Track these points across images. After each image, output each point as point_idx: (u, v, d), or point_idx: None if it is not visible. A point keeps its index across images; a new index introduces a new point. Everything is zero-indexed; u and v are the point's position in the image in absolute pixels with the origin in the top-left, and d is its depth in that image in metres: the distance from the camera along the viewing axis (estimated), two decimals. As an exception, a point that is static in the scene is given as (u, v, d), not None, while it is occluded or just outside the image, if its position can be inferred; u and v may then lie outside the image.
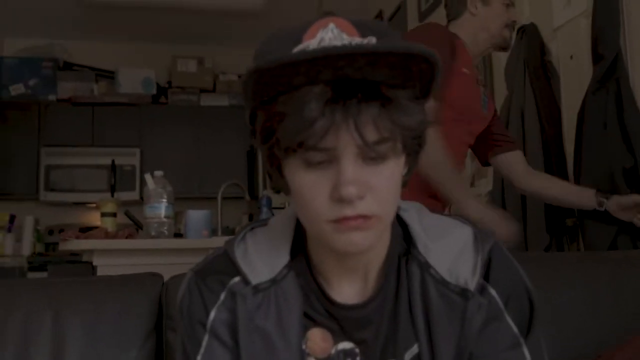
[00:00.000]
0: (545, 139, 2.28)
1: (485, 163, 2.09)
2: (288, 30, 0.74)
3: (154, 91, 5.31)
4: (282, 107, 0.69)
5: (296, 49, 0.70)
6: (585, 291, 1.32)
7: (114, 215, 3.09)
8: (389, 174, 0.73)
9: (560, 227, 2.22)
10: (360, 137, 0.68)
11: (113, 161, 5.09)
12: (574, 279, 1.34)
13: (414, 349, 0.80)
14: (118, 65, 5.28)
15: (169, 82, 5.42)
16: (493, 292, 0.80)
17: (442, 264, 0.80)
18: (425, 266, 0.81)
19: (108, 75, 5.35)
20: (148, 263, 2.48)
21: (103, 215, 3.08)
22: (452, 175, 1.72)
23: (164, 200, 2.75)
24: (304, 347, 0.81)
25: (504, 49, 2.00)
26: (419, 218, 0.85)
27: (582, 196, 1.91)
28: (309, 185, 0.72)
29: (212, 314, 0.81)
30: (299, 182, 0.73)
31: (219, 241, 2.73)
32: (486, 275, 0.80)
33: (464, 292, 0.78)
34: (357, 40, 0.70)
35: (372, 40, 0.71)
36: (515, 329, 0.79)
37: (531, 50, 2.40)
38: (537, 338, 0.80)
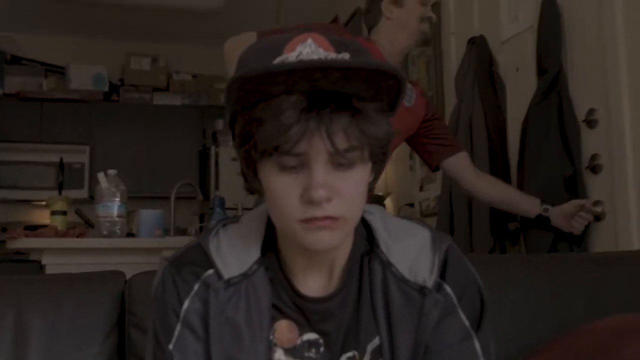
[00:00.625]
0: (491, 147, 2.38)
1: (435, 168, 2.17)
2: (270, 43, 0.79)
3: (106, 88, 5.25)
4: (261, 113, 0.75)
5: (276, 61, 0.76)
6: (527, 292, 1.41)
7: (64, 213, 3.05)
8: (356, 179, 0.79)
9: (503, 231, 2.32)
10: (332, 144, 0.74)
11: (61, 158, 5.01)
12: (516, 280, 1.42)
13: (376, 341, 0.86)
14: (69, 61, 5.19)
15: (122, 80, 5.37)
16: (448, 289, 0.87)
17: (402, 263, 0.87)
18: (387, 265, 0.87)
19: (58, 71, 5.26)
20: (100, 262, 2.47)
21: (53, 213, 3.04)
22: None
23: (117, 199, 2.74)
24: (271, 337, 0.86)
25: (425, 43, 2.09)
26: (382, 220, 0.91)
27: (527, 202, 2.00)
28: (282, 187, 0.78)
29: (186, 304, 0.85)
30: (273, 183, 0.78)
31: (172, 241, 2.77)
32: (442, 274, 0.87)
33: (422, 290, 0.85)
34: (332, 55, 0.77)
35: (346, 56, 0.77)
36: (467, 323, 0.86)
37: (480, 62, 2.49)
38: (486, 332, 0.87)
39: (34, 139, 4.96)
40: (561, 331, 1.22)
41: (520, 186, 2.13)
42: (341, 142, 0.75)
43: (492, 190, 2.08)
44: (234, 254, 0.86)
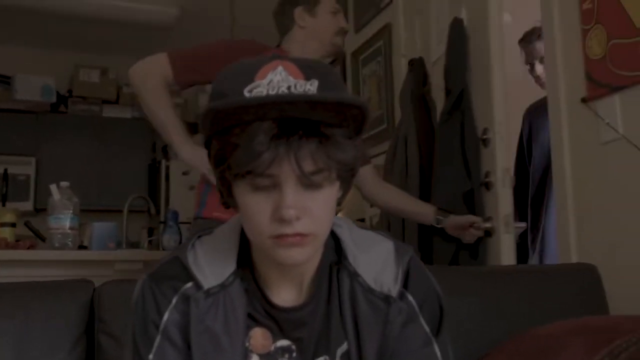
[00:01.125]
0: (422, 164, 2.46)
1: None
2: (241, 69, 0.85)
3: (54, 99, 5.18)
4: (235, 139, 0.81)
5: (247, 88, 0.81)
6: (476, 302, 1.51)
7: (14, 225, 3.01)
8: (324, 199, 0.85)
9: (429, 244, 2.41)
10: (299, 168, 0.80)
11: (6, 170, 4.90)
12: (466, 291, 1.52)
13: (344, 346, 0.93)
14: (16, 71, 5.10)
15: (70, 91, 5.30)
16: (410, 298, 0.94)
17: (368, 273, 0.94)
18: (354, 275, 0.94)
19: (4, 80, 5.15)
20: (51, 275, 2.42)
21: (2, 225, 3.00)
22: (170, 119, 1.90)
23: (70, 211, 2.73)
24: (247, 344, 0.92)
25: (336, 55, 2.17)
26: (349, 232, 0.98)
27: (422, 212, 2.11)
28: (255, 206, 0.83)
29: (165, 316, 0.89)
30: (247, 202, 0.84)
31: (124, 254, 2.76)
32: (405, 284, 0.94)
33: (387, 299, 0.92)
34: (301, 82, 0.82)
35: (315, 82, 0.82)
36: (427, 329, 0.94)
37: (416, 82, 2.59)
38: (444, 337, 0.95)
39: (-23, 151, 4.84)
40: (507, 338, 1.32)
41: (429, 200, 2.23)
42: (308, 166, 0.81)
43: (388, 197, 2.19)
44: (211, 266, 0.92)
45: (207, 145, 0.87)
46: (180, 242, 3.15)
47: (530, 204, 2.57)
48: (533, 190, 2.57)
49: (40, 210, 4.75)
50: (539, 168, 2.56)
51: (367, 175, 2.15)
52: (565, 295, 1.58)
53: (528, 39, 2.47)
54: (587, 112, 1.86)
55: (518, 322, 1.46)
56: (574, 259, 1.87)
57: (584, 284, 1.63)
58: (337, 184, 0.88)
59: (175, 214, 3.26)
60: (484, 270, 1.72)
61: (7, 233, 3.02)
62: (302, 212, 0.82)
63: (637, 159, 1.69)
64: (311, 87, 0.81)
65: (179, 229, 3.22)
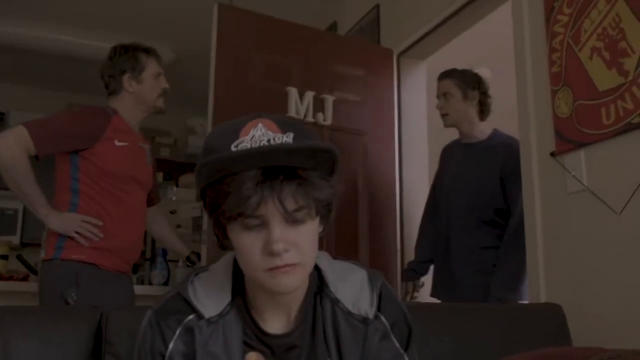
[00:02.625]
0: None
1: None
2: (228, 128, 0.98)
3: (46, 136, 5.26)
4: (226, 187, 0.94)
5: (234, 144, 0.95)
6: (449, 337, 1.63)
7: (6, 257, 3.09)
8: (307, 232, 0.98)
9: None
10: (282, 206, 0.94)
11: (-6, 204, 4.95)
12: (441, 326, 1.65)
13: None
14: (10, 107, 5.21)
15: (62, 129, 5.39)
16: (383, 319, 1.07)
17: (347, 299, 1.07)
18: (335, 301, 1.07)
19: (-2, 116, 5.25)
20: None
21: (-6, 257, 3.07)
22: (36, 194, 2.12)
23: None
24: None
25: (158, 113, 2.45)
26: (328, 263, 1.12)
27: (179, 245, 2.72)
28: (248, 243, 0.97)
29: (171, 346, 1.02)
30: (240, 241, 0.97)
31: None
32: (378, 307, 1.08)
33: (364, 320, 1.06)
34: (279, 135, 0.96)
35: (290, 135, 0.96)
36: (398, 345, 1.08)
37: None
38: (413, 351, 1.09)
39: (-33, 184, 4.90)
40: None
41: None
42: (290, 205, 0.94)
43: (159, 228, 2.71)
44: (210, 298, 1.04)
45: (202, 195, 1.01)
46: (168, 278, 3.24)
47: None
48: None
49: (27, 244, 4.81)
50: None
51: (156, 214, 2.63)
52: (533, 332, 1.72)
53: (439, 78, 2.67)
54: (555, 165, 2.03)
55: (489, 357, 1.58)
56: (543, 299, 2.01)
57: (550, 322, 1.77)
58: (317, 219, 1.01)
59: (165, 251, 3.35)
60: (457, 307, 1.84)
61: (-1, 265, 3.09)
62: (289, 245, 0.95)
63: (600, 209, 1.85)
64: (287, 138, 0.95)
65: (167, 265, 3.31)
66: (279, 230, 0.94)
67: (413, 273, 2.77)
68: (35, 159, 2.14)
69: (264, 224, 0.95)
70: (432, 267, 2.74)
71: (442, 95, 2.62)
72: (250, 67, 2.87)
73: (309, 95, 2.93)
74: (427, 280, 2.75)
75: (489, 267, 2.40)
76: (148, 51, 2.38)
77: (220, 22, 2.80)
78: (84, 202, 2.18)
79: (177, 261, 3.69)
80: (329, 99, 3.00)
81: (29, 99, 5.35)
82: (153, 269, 3.32)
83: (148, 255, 4.63)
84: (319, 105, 2.97)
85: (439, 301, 2.61)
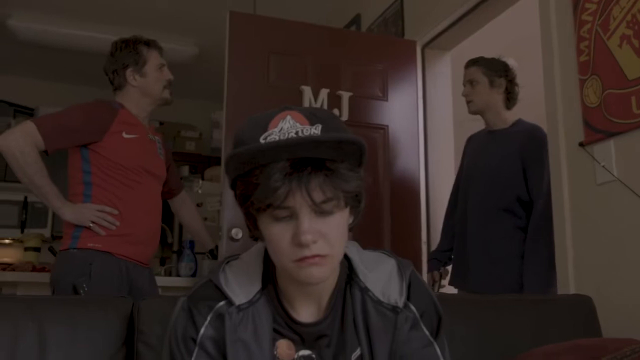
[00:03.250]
0: None
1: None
2: (257, 120, 1.00)
3: (74, 131, 5.34)
4: (255, 179, 0.95)
5: (263, 136, 0.96)
6: (478, 329, 1.63)
7: (38, 249, 3.15)
8: (336, 223, 0.99)
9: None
10: (310, 198, 0.94)
11: (25, 197, 5.05)
12: (470, 318, 1.65)
13: (357, 351, 1.06)
14: (39, 103, 5.30)
15: (90, 124, 5.47)
16: (413, 308, 1.08)
17: (377, 288, 1.08)
18: (364, 290, 1.08)
19: (27, 112, 5.34)
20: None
21: (27, 249, 3.14)
22: (49, 187, 2.14)
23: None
24: (275, 353, 1.05)
25: (166, 105, 2.45)
26: (358, 253, 1.12)
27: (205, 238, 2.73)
28: (277, 234, 0.97)
29: (202, 331, 1.03)
30: (270, 232, 0.98)
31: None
32: (407, 296, 1.08)
33: (394, 309, 1.06)
34: (307, 127, 0.97)
35: (318, 127, 0.97)
36: (427, 333, 1.08)
37: None
38: (442, 339, 1.09)
39: (-2, 178, 5.00)
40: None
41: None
42: (318, 196, 0.94)
43: (185, 217, 2.76)
44: (240, 286, 1.06)
45: (233, 186, 1.02)
46: (196, 270, 3.28)
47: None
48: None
49: (57, 237, 4.89)
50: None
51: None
52: (562, 324, 1.70)
53: (466, 65, 2.66)
54: (584, 156, 2.01)
55: (518, 348, 1.58)
56: (572, 290, 1.99)
57: (580, 314, 1.75)
58: (346, 211, 1.02)
59: (192, 243, 3.38)
60: (487, 299, 1.84)
61: (32, 257, 3.17)
62: (317, 236, 0.95)
63: (630, 200, 1.83)
64: (315, 130, 0.96)
65: (195, 257, 3.34)
66: (308, 222, 0.95)
67: (435, 262, 2.77)
68: (45, 154, 2.16)
69: (292, 215, 0.95)
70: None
71: (469, 82, 2.61)
72: (264, 69, 2.93)
73: (324, 92, 2.98)
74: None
75: (503, 259, 2.38)
76: (149, 43, 2.39)
77: (232, 29, 2.87)
78: (98, 193, 2.20)
79: (205, 254, 3.73)
80: (345, 96, 3.04)
81: (57, 94, 5.42)
82: (180, 261, 3.35)
83: (175, 247, 4.70)
84: (335, 102, 3.00)
85: (460, 291, 2.60)
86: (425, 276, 2.96)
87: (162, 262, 5.13)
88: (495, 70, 2.56)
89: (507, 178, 2.44)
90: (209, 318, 1.04)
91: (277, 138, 0.95)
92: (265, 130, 0.96)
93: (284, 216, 0.96)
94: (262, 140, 0.95)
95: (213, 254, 2.84)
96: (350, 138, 0.95)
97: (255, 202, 0.96)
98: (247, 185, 0.96)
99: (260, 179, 0.94)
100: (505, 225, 2.42)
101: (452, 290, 2.71)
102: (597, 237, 1.96)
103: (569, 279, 2.02)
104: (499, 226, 2.43)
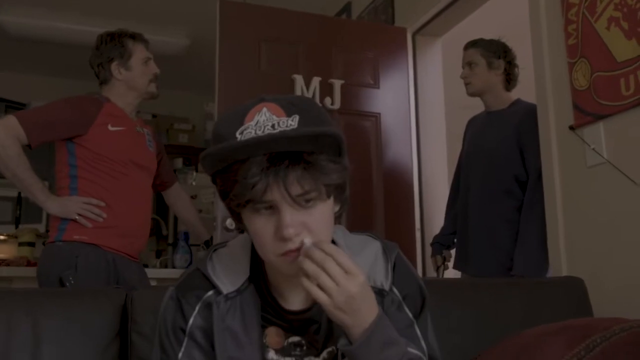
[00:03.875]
0: None
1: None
2: (233, 114, 0.98)
3: (66, 125, 5.33)
4: (233, 175, 0.94)
5: (239, 130, 0.95)
6: (470, 311, 1.65)
7: (33, 244, 3.15)
8: (319, 214, 0.97)
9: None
10: (287, 192, 0.93)
11: (19, 193, 5.03)
12: (463, 301, 1.66)
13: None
14: (30, 98, 5.27)
15: (82, 118, 5.45)
16: (396, 290, 1.08)
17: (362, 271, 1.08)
18: None
19: (18, 107, 5.31)
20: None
21: (21, 244, 3.13)
22: (32, 180, 2.16)
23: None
24: (264, 340, 1.06)
25: (152, 98, 2.46)
26: (343, 237, 1.12)
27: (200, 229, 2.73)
28: (260, 228, 0.96)
29: (191, 321, 1.04)
30: (252, 225, 0.98)
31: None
32: (392, 277, 1.08)
33: (380, 292, 1.06)
34: (283, 119, 0.94)
35: (296, 118, 0.94)
36: (410, 314, 1.08)
37: None
38: (425, 319, 1.09)
39: (-9, 174, 4.99)
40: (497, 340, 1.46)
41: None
42: (296, 190, 0.92)
43: (180, 209, 2.76)
44: (228, 275, 1.06)
45: (214, 181, 1.01)
46: (191, 262, 3.29)
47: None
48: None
49: (52, 232, 4.90)
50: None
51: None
52: (554, 306, 1.72)
53: (465, 47, 2.65)
54: (574, 139, 2.02)
55: (511, 330, 1.59)
56: (564, 272, 2.01)
57: (572, 296, 1.77)
58: (330, 200, 1.00)
59: (186, 235, 3.39)
60: (478, 282, 1.86)
61: (26, 252, 3.17)
62: (300, 228, 0.94)
63: (620, 181, 1.84)
64: (292, 122, 0.94)
65: (190, 249, 3.35)
66: (289, 215, 0.93)
67: (438, 246, 2.76)
68: (28, 149, 2.15)
69: (274, 208, 0.95)
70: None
71: (467, 64, 2.60)
72: (256, 58, 2.92)
73: (316, 81, 2.98)
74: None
75: (504, 242, 2.39)
76: (134, 37, 2.38)
77: (223, 18, 2.86)
78: (84, 185, 2.19)
79: (200, 245, 3.75)
80: (337, 84, 3.03)
81: (49, 89, 5.37)
82: (176, 253, 3.36)
83: (170, 239, 4.71)
84: (327, 90, 2.99)
85: (463, 274, 2.61)
86: (418, 261, 2.97)
87: (158, 254, 5.15)
88: (494, 52, 2.55)
89: (505, 159, 2.44)
90: (197, 308, 1.04)
91: (252, 132, 0.93)
92: (242, 124, 0.95)
93: (266, 209, 0.95)
94: (238, 135, 0.94)
95: (208, 245, 2.85)
96: (326, 131, 0.93)
97: (234, 199, 0.95)
98: (226, 181, 0.96)
99: (237, 175, 0.93)
100: (505, 208, 2.42)
101: (457, 274, 2.71)
102: (588, 219, 1.97)
103: (561, 261, 2.04)
104: (499, 209, 2.43)
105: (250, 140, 0.92)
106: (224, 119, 1.00)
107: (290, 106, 0.96)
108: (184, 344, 1.03)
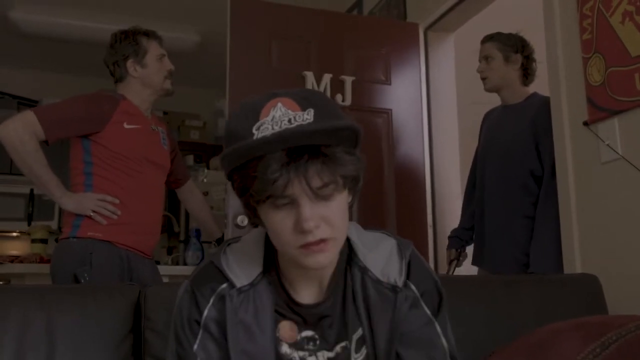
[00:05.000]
0: None
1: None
2: (247, 109, 0.98)
3: (78, 122, 5.35)
4: (252, 171, 0.94)
5: (255, 127, 0.95)
6: (484, 308, 1.64)
7: (45, 241, 3.17)
8: (336, 206, 0.98)
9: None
10: (308, 186, 0.94)
11: (32, 190, 5.07)
12: (476, 297, 1.65)
13: (359, 331, 1.07)
14: (43, 95, 5.30)
15: (94, 115, 5.48)
16: (413, 287, 1.08)
17: (376, 268, 1.08)
18: (364, 270, 1.08)
19: (31, 104, 5.34)
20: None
21: (34, 241, 3.16)
22: (49, 176, 2.15)
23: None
24: (277, 334, 1.06)
25: (167, 95, 2.45)
26: (357, 234, 1.12)
27: (212, 226, 2.73)
28: (279, 222, 0.97)
29: (205, 313, 1.04)
30: (271, 220, 0.98)
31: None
32: (407, 275, 1.09)
33: (394, 288, 1.07)
34: (299, 114, 0.94)
35: (311, 112, 0.94)
36: (428, 312, 1.08)
37: None
38: (444, 317, 1.09)
39: (4, 170, 5.00)
40: (513, 336, 1.45)
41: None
42: (316, 183, 0.93)
43: (193, 206, 2.75)
44: (241, 268, 1.07)
45: (230, 178, 1.01)
46: (202, 259, 3.30)
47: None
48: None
49: (65, 229, 4.93)
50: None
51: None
52: (569, 303, 1.71)
53: (482, 41, 2.60)
54: (588, 134, 2.00)
55: (524, 327, 1.58)
56: (578, 269, 1.99)
57: (586, 293, 1.75)
58: (345, 192, 1.01)
59: (198, 232, 3.40)
60: (492, 279, 1.85)
61: (39, 249, 3.19)
62: (319, 221, 0.95)
63: (635, 178, 1.83)
64: (308, 116, 0.94)
65: (201, 246, 3.36)
66: (309, 209, 0.94)
67: (456, 240, 2.73)
68: (45, 145, 2.16)
69: (293, 202, 0.95)
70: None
71: (484, 58, 2.55)
72: (266, 55, 2.92)
73: (327, 77, 2.97)
74: (470, 249, 2.73)
75: (520, 238, 2.37)
76: (148, 34, 2.39)
77: (234, 14, 2.86)
78: (99, 182, 2.20)
79: (212, 242, 3.75)
80: (348, 80, 3.02)
81: (61, 86, 5.42)
82: (187, 250, 3.37)
83: (182, 237, 4.73)
84: (338, 87, 2.99)
85: (480, 270, 2.59)
86: (430, 258, 2.95)
87: (170, 251, 5.17)
88: (511, 46, 2.51)
89: (521, 153, 2.40)
90: (211, 300, 1.05)
91: (270, 128, 0.93)
92: (257, 119, 0.95)
93: (285, 204, 0.95)
94: (254, 131, 0.94)
95: (220, 242, 2.85)
96: (344, 124, 0.94)
97: (254, 195, 0.95)
98: (244, 178, 0.96)
99: (257, 172, 0.93)
100: (521, 202, 2.38)
101: (474, 270, 2.67)
102: (602, 216, 1.95)
103: (575, 258, 2.02)
104: (515, 204, 2.40)
105: (270, 136, 0.92)
106: (237, 116, 1.00)
107: (304, 100, 0.96)
108: (199, 336, 1.04)
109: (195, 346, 1.03)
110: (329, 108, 0.99)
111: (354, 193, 1.05)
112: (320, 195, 0.95)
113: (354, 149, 0.99)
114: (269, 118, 0.94)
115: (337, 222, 0.98)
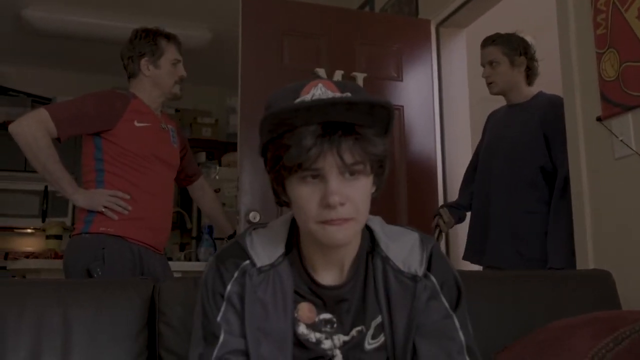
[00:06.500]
0: None
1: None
2: (289, 89, 1.04)
3: (91, 120, 5.39)
4: (287, 140, 0.99)
5: (296, 102, 1.00)
6: (496, 305, 1.64)
7: (60, 237, 3.20)
8: (361, 187, 1.02)
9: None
10: (341, 159, 0.98)
11: (46, 187, 5.11)
12: (489, 295, 1.65)
13: (378, 319, 1.10)
14: (56, 93, 5.35)
15: (107, 112, 5.51)
16: (433, 278, 1.10)
17: (398, 258, 1.11)
18: (385, 259, 1.11)
19: (45, 102, 5.39)
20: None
21: (48, 237, 3.19)
22: (61, 173, 2.18)
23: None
24: (296, 315, 1.09)
25: (175, 100, 2.49)
26: (381, 226, 1.16)
27: (224, 224, 2.75)
28: (305, 195, 1.00)
29: (229, 287, 1.08)
30: (298, 193, 1.01)
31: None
32: (428, 267, 1.11)
33: (414, 278, 1.09)
34: (338, 94, 1.01)
35: (348, 94, 1.02)
36: (447, 305, 1.10)
37: None
38: (463, 311, 1.11)
39: (19, 168, 5.05)
40: (520, 333, 1.45)
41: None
42: (348, 158, 0.98)
43: (204, 203, 2.77)
44: (264, 249, 1.10)
45: (264, 152, 1.05)
46: (215, 255, 3.30)
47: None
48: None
49: (78, 225, 4.96)
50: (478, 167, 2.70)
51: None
52: (582, 299, 1.70)
53: (483, 45, 2.59)
54: (602, 130, 1.99)
55: (536, 323, 1.58)
56: (591, 265, 1.98)
57: (599, 289, 1.74)
58: (371, 178, 1.04)
59: (210, 228, 3.42)
60: (506, 275, 1.84)
61: (53, 245, 3.22)
62: (344, 199, 0.98)
63: (649, 173, 1.81)
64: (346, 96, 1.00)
65: (214, 242, 3.37)
66: (336, 184, 0.98)
67: (453, 209, 2.72)
68: (57, 142, 2.19)
69: (321, 178, 0.99)
70: (466, 227, 2.69)
71: (488, 63, 2.54)
72: (278, 52, 2.94)
73: (338, 74, 2.98)
74: (462, 242, 2.72)
75: (526, 233, 2.36)
76: (169, 37, 2.41)
77: (245, 11, 2.88)
78: (110, 178, 2.23)
79: (224, 239, 3.77)
80: (360, 77, 3.03)
81: (75, 84, 5.46)
82: (200, 246, 3.39)
83: (194, 233, 4.75)
84: (349, 84, 2.98)
85: (475, 265, 2.59)
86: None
87: (182, 247, 5.20)
88: (515, 49, 2.50)
89: (529, 150, 2.40)
90: (235, 275, 1.08)
91: (309, 99, 0.99)
92: (298, 96, 1.00)
93: (314, 177, 0.99)
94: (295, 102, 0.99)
95: (232, 238, 2.86)
96: (381, 102, 0.98)
97: (287, 163, 0.99)
98: (279, 147, 1.00)
99: (292, 141, 0.97)
100: (529, 199, 2.39)
101: (466, 264, 2.69)
102: (615, 212, 1.94)
103: (588, 254, 2.01)
104: (522, 200, 2.40)
105: (312, 102, 0.96)
106: (278, 93, 1.05)
107: (343, 86, 1.03)
108: (222, 308, 1.07)
109: (219, 318, 1.07)
110: (364, 93, 1.05)
111: (379, 184, 1.08)
112: (350, 170, 0.98)
113: (384, 135, 1.03)
114: (309, 95, 1.00)
115: (361, 203, 1.01)
